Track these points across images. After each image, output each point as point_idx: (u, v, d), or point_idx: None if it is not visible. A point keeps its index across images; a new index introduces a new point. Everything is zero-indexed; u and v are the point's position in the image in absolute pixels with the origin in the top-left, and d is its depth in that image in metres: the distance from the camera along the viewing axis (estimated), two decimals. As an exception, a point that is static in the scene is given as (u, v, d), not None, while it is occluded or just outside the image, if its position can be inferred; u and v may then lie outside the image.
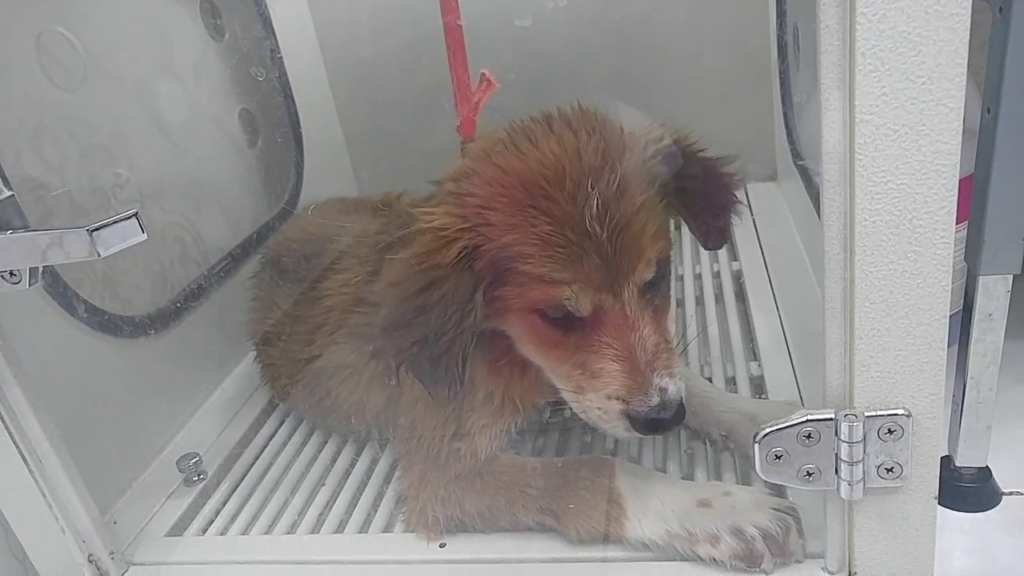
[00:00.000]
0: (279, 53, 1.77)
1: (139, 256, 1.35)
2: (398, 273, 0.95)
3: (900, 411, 0.79)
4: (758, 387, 1.28)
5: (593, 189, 0.86)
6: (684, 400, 0.91)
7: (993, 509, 1.33)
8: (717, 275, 1.63)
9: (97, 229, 0.78)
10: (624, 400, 0.90)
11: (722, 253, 1.69)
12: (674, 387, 0.90)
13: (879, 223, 0.72)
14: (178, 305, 1.41)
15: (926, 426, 0.80)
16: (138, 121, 1.40)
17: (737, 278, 1.61)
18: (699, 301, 1.56)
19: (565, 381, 0.95)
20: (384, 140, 1.84)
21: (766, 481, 1.02)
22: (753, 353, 1.36)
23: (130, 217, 0.78)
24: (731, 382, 1.30)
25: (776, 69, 1.73)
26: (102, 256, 0.79)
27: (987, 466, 1.33)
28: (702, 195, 1.01)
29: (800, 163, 1.55)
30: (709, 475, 1.10)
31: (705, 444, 1.15)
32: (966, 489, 1.15)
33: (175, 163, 1.49)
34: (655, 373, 0.89)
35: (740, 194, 1.06)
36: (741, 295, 1.55)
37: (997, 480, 1.33)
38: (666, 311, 0.97)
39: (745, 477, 1.08)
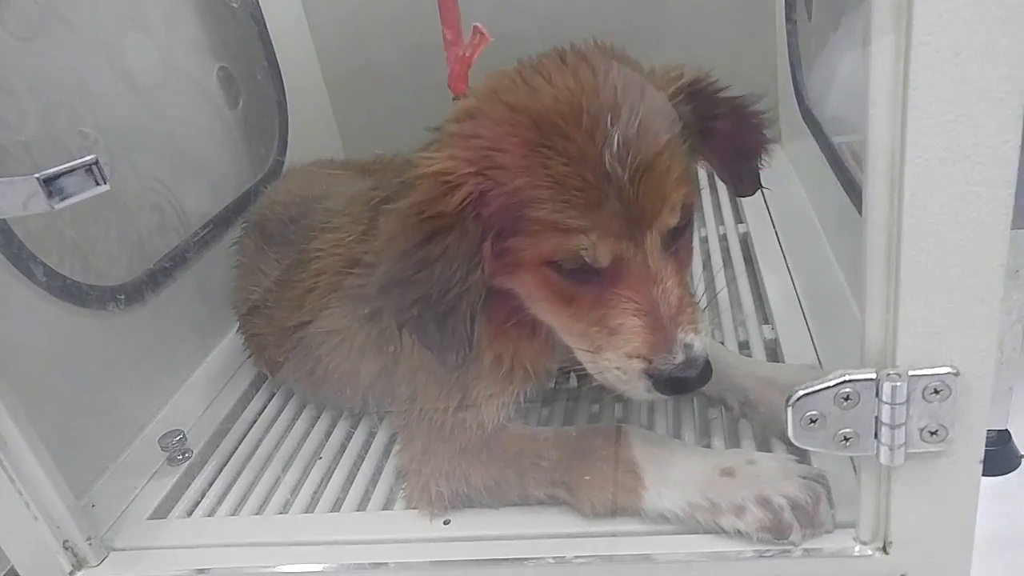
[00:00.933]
0: (259, 11, 1.69)
1: (112, 223, 1.28)
2: (396, 225, 0.87)
3: (947, 369, 0.73)
4: (772, 351, 1.23)
5: (613, 126, 0.79)
6: (710, 358, 0.84)
7: (1013, 472, 1.29)
8: (724, 238, 1.58)
9: (51, 178, 0.69)
10: (646, 358, 0.83)
11: (728, 216, 1.65)
12: (700, 344, 0.83)
13: (932, 161, 0.65)
14: (157, 275, 1.34)
15: (974, 386, 0.74)
16: (105, 79, 1.32)
17: (744, 240, 1.55)
18: (706, 265, 1.50)
19: (580, 340, 0.88)
20: (371, 99, 1.78)
21: (789, 448, 0.98)
22: (765, 316, 1.31)
23: (89, 164, 0.70)
24: (744, 346, 1.25)
25: (782, 24, 1.67)
26: (56, 208, 0.71)
27: (1007, 429, 1.29)
28: (730, 136, 0.93)
29: (810, 118, 1.49)
30: (727, 443, 1.04)
31: (721, 411, 1.09)
32: (986, 452, 1.12)
33: (149, 124, 1.41)
34: (679, 328, 0.82)
35: (771, 133, 0.98)
36: (749, 258, 1.50)
37: (1016, 443, 1.30)
38: (689, 263, 0.91)
39: (764, 444, 1.03)
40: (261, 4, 1.69)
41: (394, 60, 1.72)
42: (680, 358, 0.82)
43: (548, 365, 1.02)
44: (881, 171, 0.67)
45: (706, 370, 0.83)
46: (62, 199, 0.74)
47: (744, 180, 1.00)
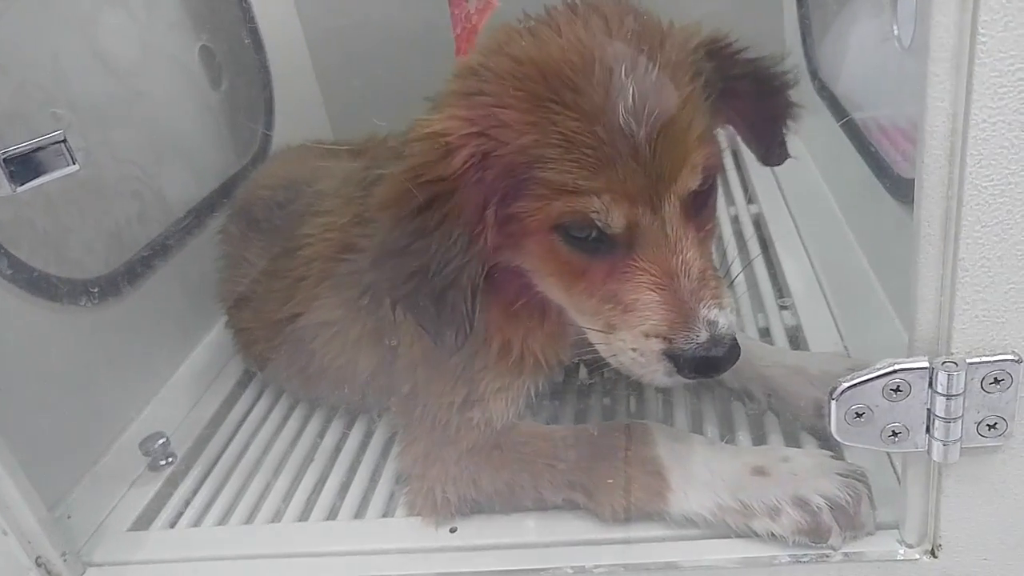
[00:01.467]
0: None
1: (88, 211, 1.22)
2: (391, 191, 0.81)
3: (1009, 356, 0.67)
4: (794, 338, 1.18)
5: (628, 77, 0.72)
6: (738, 337, 0.77)
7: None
8: (736, 220, 1.53)
9: (11, 158, 0.62)
10: (665, 337, 0.76)
11: (739, 196, 1.60)
12: (725, 320, 0.76)
13: (1001, 125, 0.59)
14: (136, 266, 1.27)
15: (1037, 374, 0.67)
16: (81, 59, 1.26)
17: (757, 222, 1.50)
18: (717, 248, 1.43)
19: (592, 318, 0.81)
20: (360, 78, 1.72)
21: (820, 443, 0.92)
22: (785, 302, 1.26)
23: (56, 142, 0.63)
24: (765, 333, 1.20)
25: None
26: (17, 191, 0.63)
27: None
28: (754, 98, 0.88)
29: (825, 92, 1.42)
30: (753, 439, 0.99)
31: (744, 403, 1.04)
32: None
33: (127, 106, 1.35)
34: (702, 303, 0.75)
35: (797, 95, 0.92)
36: (764, 240, 1.45)
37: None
38: (712, 233, 0.84)
39: (793, 440, 0.97)
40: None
41: (384, 36, 1.65)
42: (704, 336, 0.75)
43: (561, 353, 0.96)
44: (940, 139, 0.61)
45: (734, 349, 0.76)
46: (24, 181, 0.66)
47: (771, 146, 0.94)
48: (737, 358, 0.77)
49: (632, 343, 0.78)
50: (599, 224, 0.76)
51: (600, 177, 0.74)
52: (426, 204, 0.78)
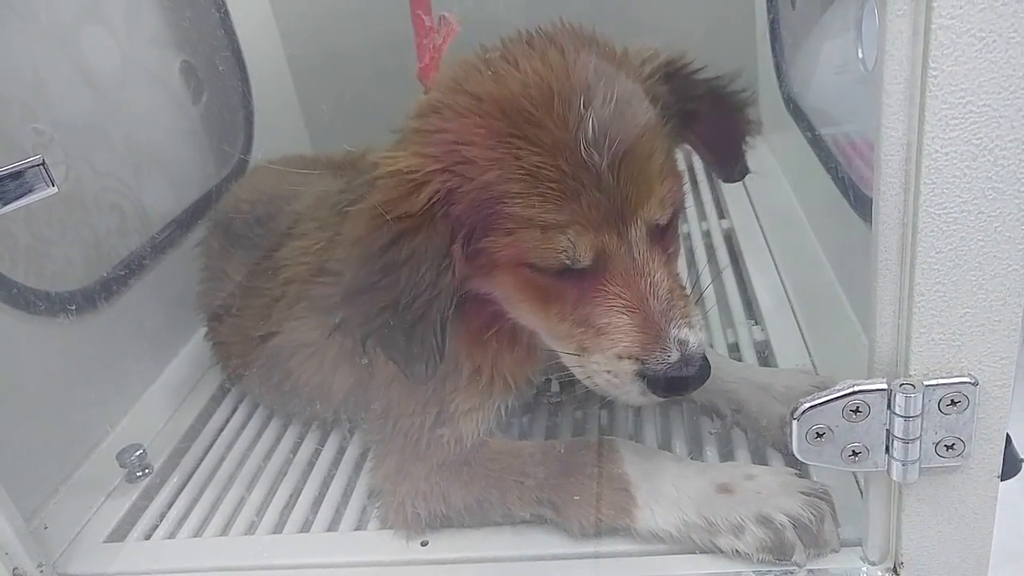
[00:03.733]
0: (223, 4, 1.62)
1: (68, 224, 1.22)
2: (359, 228, 0.82)
3: (965, 379, 0.68)
4: (763, 352, 1.19)
5: (587, 109, 0.74)
6: (707, 354, 0.79)
7: (1014, 478, 1.25)
8: (707, 235, 1.53)
9: (-10, 180, 0.63)
10: (638, 358, 0.77)
11: (710, 211, 1.60)
12: (695, 339, 0.78)
13: (952, 155, 0.60)
14: (115, 279, 1.27)
15: (994, 395, 0.70)
16: (61, 74, 1.26)
17: (728, 237, 1.51)
18: (689, 263, 1.45)
19: (565, 342, 0.82)
20: (339, 93, 1.71)
21: (786, 459, 0.94)
22: (754, 316, 1.27)
23: (35, 165, 0.63)
24: (734, 348, 1.20)
25: (763, 12, 1.63)
26: (-2, 214, 0.64)
27: (1007, 432, 1.25)
28: (712, 118, 0.89)
29: (795, 109, 1.44)
30: (720, 454, 0.99)
31: (712, 419, 1.04)
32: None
33: (108, 120, 1.35)
34: (672, 324, 0.77)
35: (753, 114, 0.94)
36: (735, 255, 1.45)
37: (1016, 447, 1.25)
38: (677, 253, 0.86)
39: (759, 455, 0.98)
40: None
41: (362, 52, 1.65)
42: (675, 356, 0.77)
43: (530, 374, 0.97)
44: (895, 167, 0.63)
45: (704, 367, 0.78)
46: (4, 203, 0.67)
47: (731, 164, 0.96)
48: (707, 376, 0.79)
49: (606, 365, 0.79)
50: (567, 261, 0.77)
51: (566, 210, 0.75)
52: (393, 240, 0.79)
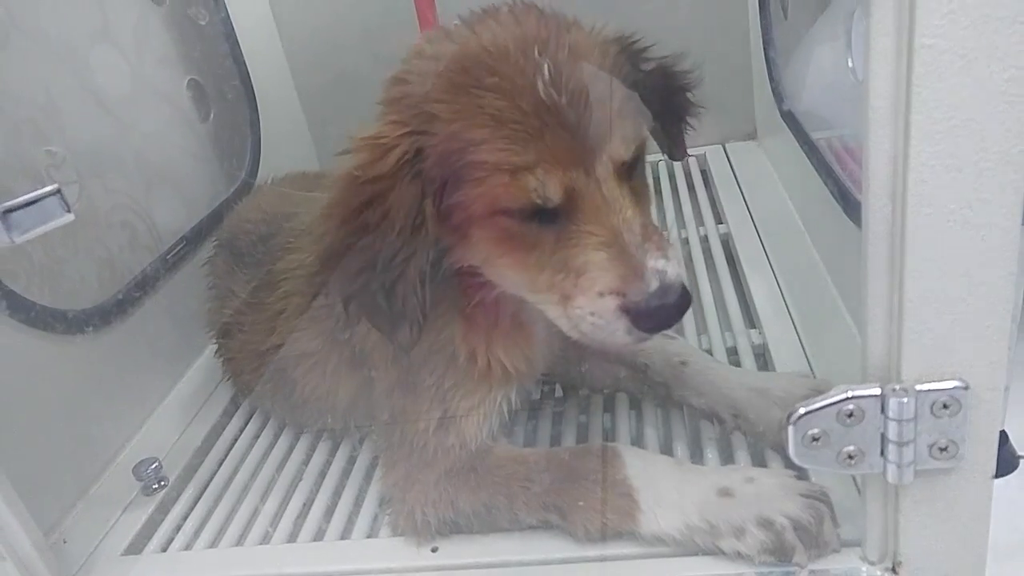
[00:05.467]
0: (229, 23, 1.64)
1: (81, 242, 1.24)
2: (334, 194, 0.85)
3: (957, 383, 0.70)
4: (761, 356, 1.20)
5: (541, 55, 0.77)
6: (687, 284, 0.80)
7: (1012, 474, 1.27)
8: (705, 239, 1.55)
9: (9, 210, 0.65)
10: (618, 292, 0.78)
11: (708, 216, 1.62)
12: (673, 269, 0.78)
13: (938, 168, 0.62)
14: (128, 295, 1.29)
15: (985, 399, 0.71)
16: (72, 94, 1.28)
17: (725, 242, 1.52)
18: (688, 267, 1.46)
19: (548, 294, 0.83)
20: (346, 109, 1.73)
21: (786, 461, 0.95)
22: (752, 320, 1.28)
23: (52, 193, 0.66)
24: (732, 352, 1.22)
25: (756, 18, 1.64)
26: (17, 242, 0.67)
27: (1004, 430, 1.26)
28: (660, 95, 0.92)
29: (788, 115, 1.46)
30: (721, 457, 1.01)
31: (713, 423, 1.06)
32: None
33: (118, 139, 1.37)
34: (648, 256, 0.78)
35: (699, 95, 0.98)
36: (732, 259, 1.47)
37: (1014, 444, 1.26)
38: (647, 199, 0.87)
39: (759, 457, 1.00)
40: (232, 14, 1.65)
41: (368, 70, 1.67)
42: (654, 285, 0.77)
43: (527, 358, 0.98)
44: (882, 179, 0.64)
45: (685, 295, 0.78)
46: (23, 232, 0.70)
47: (674, 142, 0.99)
48: (689, 305, 0.79)
49: (589, 307, 0.80)
50: (538, 200, 0.78)
51: (531, 150, 0.77)
52: (367, 202, 0.81)
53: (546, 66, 0.76)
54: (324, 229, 0.86)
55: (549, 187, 0.78)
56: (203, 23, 1.56)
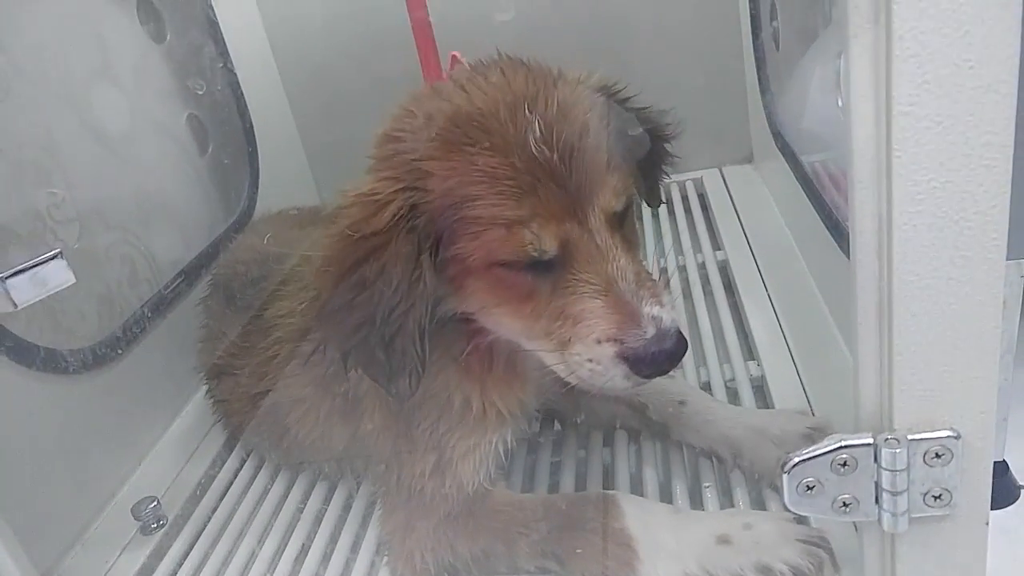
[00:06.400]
0: (228, 58, 1.65)
1: (81, 279, 1.21)
2: (329, 252, 0.85)
3: (948, 433, 0.70)
4: (759, 388, 1.20)
5: (531, 112, 0.79)
6: (681, 330, 0.81)
7: (1012, 505, 1.27)
8: (703, 267, 1.55)
9: (11, 276, 0.66)
10: (616, 339, 0.79)
11: (705, 243, 1.63)
12: (668, 315, 0.80)
13: (921, 227, 0.62)
14: (126, 332, 1.30)
15: (976, 447, 0.71)
16: (73, 133, 1.29)
17: (723, 269, 1.52)
18: (686, 295, 1.47)
19: (544, 341, 0.84)
20: (345, 141, 1.74)
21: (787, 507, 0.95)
22: (750, 351, 1.28)
23: (53, 257, 0.67)
24: (731, 383, 1.22)
25: (750, 48, 1.65)
26: (19, 307, 0.67)
27: (1004, 460, 1.26)
28: (636, 143, 0.93)
29: (782, 143, 1.47)
30: (720, 495, 1.01)
31: (712, 462, 1.06)
32: (982, 486, 1.10)
33: (118, 176, 1.39)
34: (643, 302, 0.80)
35: (675, 147, 0.99)
36: (730, 287, 1.46)
37: (1015, 474, 1.27)
38: (637, 247, 0.89)
39: (758, 497, 1.00)
40: (231, 49, 1.66)
41: (368, 102, 1.68)
42: (651, 331, 0.79)
43: (521, 400, 0.98)
44: (868, 236, 0.65)
45: (681, 341, 0.80)
46: (25, 298, 0.71)
47: (651, 189, 1.01)
48: (685, 350, 0.81)
49: (587, 354, 0.81)
50: (534, 253, 0.79)
51: (525, 204, 0.78)
52: (363, 258, 0.81)
53: (536, 123, 0.78)
54: (320, 286, 0.86)
55: (544, 239, 0.79)
56: (200, 93, 1.57)
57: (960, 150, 0.59)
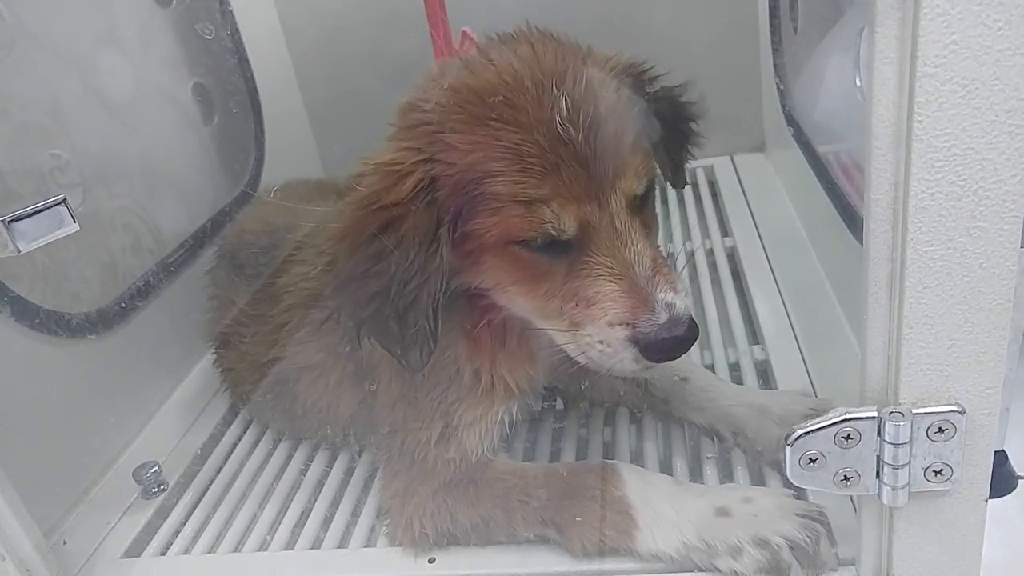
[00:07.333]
0: (236, 28, 1.64)
1: (84, 246, 1.24)
2: (348, 220, 0.85)
3: (953, 407, 0.70)
4: (763, 372, 1.20)
5: (559, 90, 0.78)
6: (694, 316, 0.81)
7: (1010, 494, 1.27)
8: (711, 253, 1.55)
9: (16, 220, 0.65)
10: (628, 323, 0.79)
11: (714, 229, 1.62)
12: (681, 302, 0.80)
13: (938, 195, 0.62)
14: (130, 298, 1.29)
15: (980, 423, 0.71)
16: (77, 96, 1.28)
17: (731, 255, 1.52)
18: (693, 280, 1.47)
19: (557, 320, 0.84)
20: (350, 113, 1.74)
21: (785, 479, 0.95)
22: (755, 336, 1.28)
23: (57, 203, 0.66)
24: (735, 368, 1.22)
25: (766, 33, 1.64)
26: (22, 251, 0.67)
27: (1003, 450, 1.26)
28: (666, 122, 0.93)
29: (796, 129, 1.46)
30: (720, 473, 1.01)
31: (713, 441, 1.06)
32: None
33: (122, 142, 1.37)
34: (658, 288, 0.80)
35: (701, 126, 0.99)
36: (737, 273, 1.47)
37: (1013, 464, 1.27)
38: (656, 231, 0.89)
39: (758, 475, 1.00)
40: (240, 22, 1.65)
41: (375, 74, 1.68)
42: (664, 317, 0.79)
43: (532, 378, 0.99)
44: (883, 205, 0.65)
45: (692, 328, 0.80)
46: (29, 242, 0.70)
47: (676, 170, 1.00)
48: (696, 337, 0.81)
49: (598, 335, 0.81)
50: (553, 232, 0.79)
51: (547, 183, 0.78)
52: (381, 229, 0.81)
53: (564, 101, 0.77)
54: (337, 254, 0.86)
55: (564, 220, 0.79)
56: (209, 37, 1.56)
57: (984, 115, 0.59)
